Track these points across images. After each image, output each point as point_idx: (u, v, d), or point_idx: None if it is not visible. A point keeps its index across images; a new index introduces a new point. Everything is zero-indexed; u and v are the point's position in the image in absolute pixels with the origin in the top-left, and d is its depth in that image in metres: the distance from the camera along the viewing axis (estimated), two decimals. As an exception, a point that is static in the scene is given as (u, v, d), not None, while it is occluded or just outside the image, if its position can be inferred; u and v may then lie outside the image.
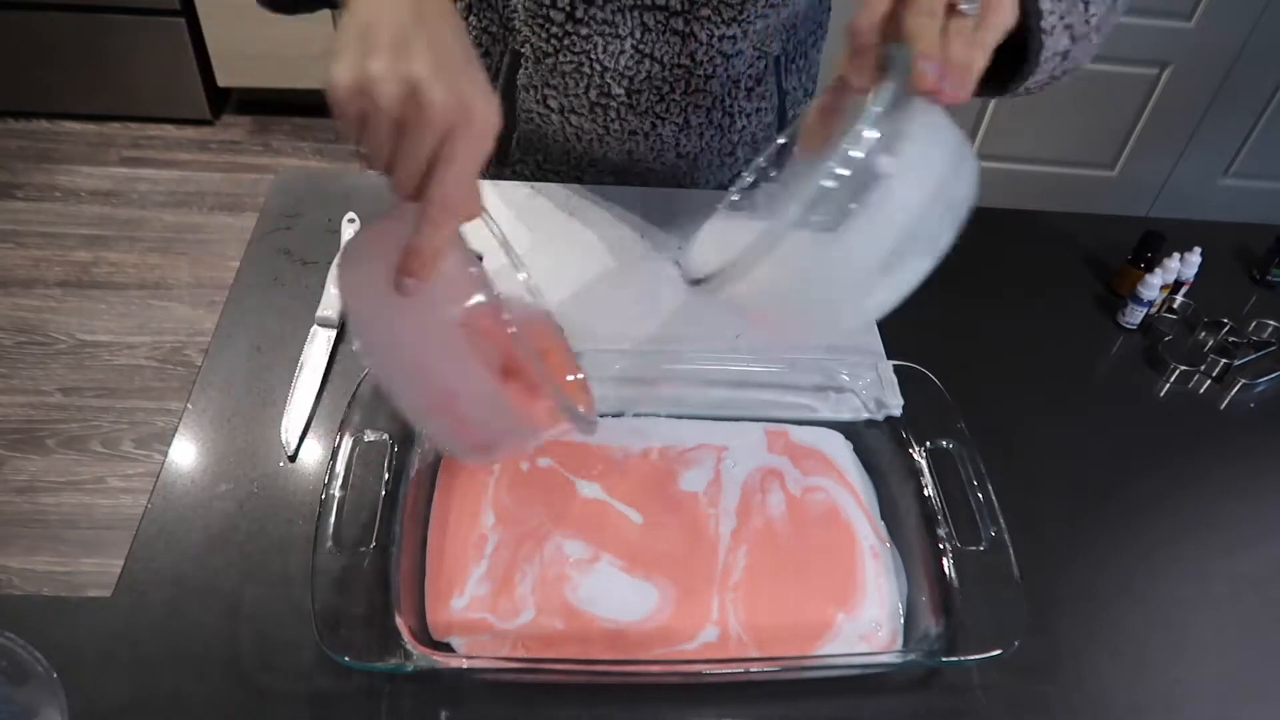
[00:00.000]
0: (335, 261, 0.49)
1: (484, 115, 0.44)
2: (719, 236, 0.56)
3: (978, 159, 0.49)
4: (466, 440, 0.51)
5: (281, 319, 0.76)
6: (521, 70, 0.85)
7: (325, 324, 0.74)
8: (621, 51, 0.80)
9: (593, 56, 0.81)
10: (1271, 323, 0.85)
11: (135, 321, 1.91)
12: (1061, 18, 0.57)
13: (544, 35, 0.80)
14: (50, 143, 2.29)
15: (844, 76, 0.50)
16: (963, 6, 0.48)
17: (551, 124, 0.87)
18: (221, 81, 2.27)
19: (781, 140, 0.56)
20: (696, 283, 0.49)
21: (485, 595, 0.58)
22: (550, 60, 0.82)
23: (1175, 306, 0.86)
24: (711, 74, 0.83)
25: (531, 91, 0.86)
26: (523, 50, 0.83)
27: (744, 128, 0.90)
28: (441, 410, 0.49)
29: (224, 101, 2.43)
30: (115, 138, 2.32)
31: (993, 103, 2.10)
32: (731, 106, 0.87)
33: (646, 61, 0.81)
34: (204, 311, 1.93)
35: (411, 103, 0.42)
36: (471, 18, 0.86)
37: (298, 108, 2.41)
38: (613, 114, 0.85)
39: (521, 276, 0.47)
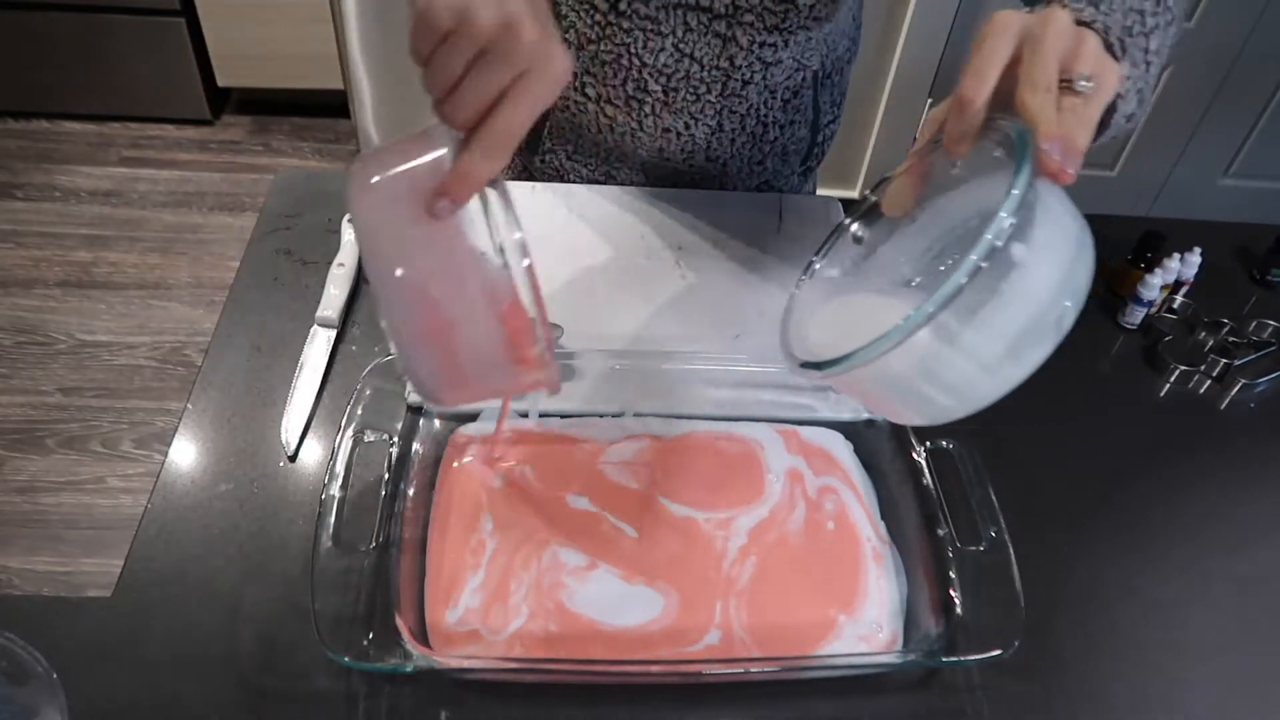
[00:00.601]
0: (349, 170, 0.49)
1: (563, 65, 0.46)
2: (820, 311, 0.55)
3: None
4: (447, 374, 0.50)
5: (281, 319, 0.76)
6: None
7: (325, 324, 0.75)
8: (661, 49, 0.81)
9: (632, 50, 0.81)
10: (1271, 323, 0.85)
11: (135, 321, 1.91)
12: (1135, 83, 0.57)
13: (588, 22, 0.81)
14: (50, 143, 2.29)
15: (938, 142, 0.50)
16: (1079, 85, 0.48)
17: (587, 113, 0.88)
18: (221, 81, 2.27)
19: (871, 197, 0.56)
20: (808, 366, 0.49)
21: (478, 607, 0.58)
22: (592, 48, 0.82)
23: (1175, 306, 0.86)
24: (749, 80, 0.83)
25: (571, 77, 0.86)
26: (567, 35, 0.84)
27: (776, 139, 0.91)
28: (434, 338, 0.48)
29: (224, 101, 2.43)
30: (115, 138, 2.32)
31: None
32: (767, 116, 0.88)
33: (686, 61, 0.81)
34: (204, 311, 1.93)
35: (507, 33, 0.44)
36: None
37: (298, 108, 2.41)
38: (648, 109, 0.85)
39: (517, 235, 0.47)
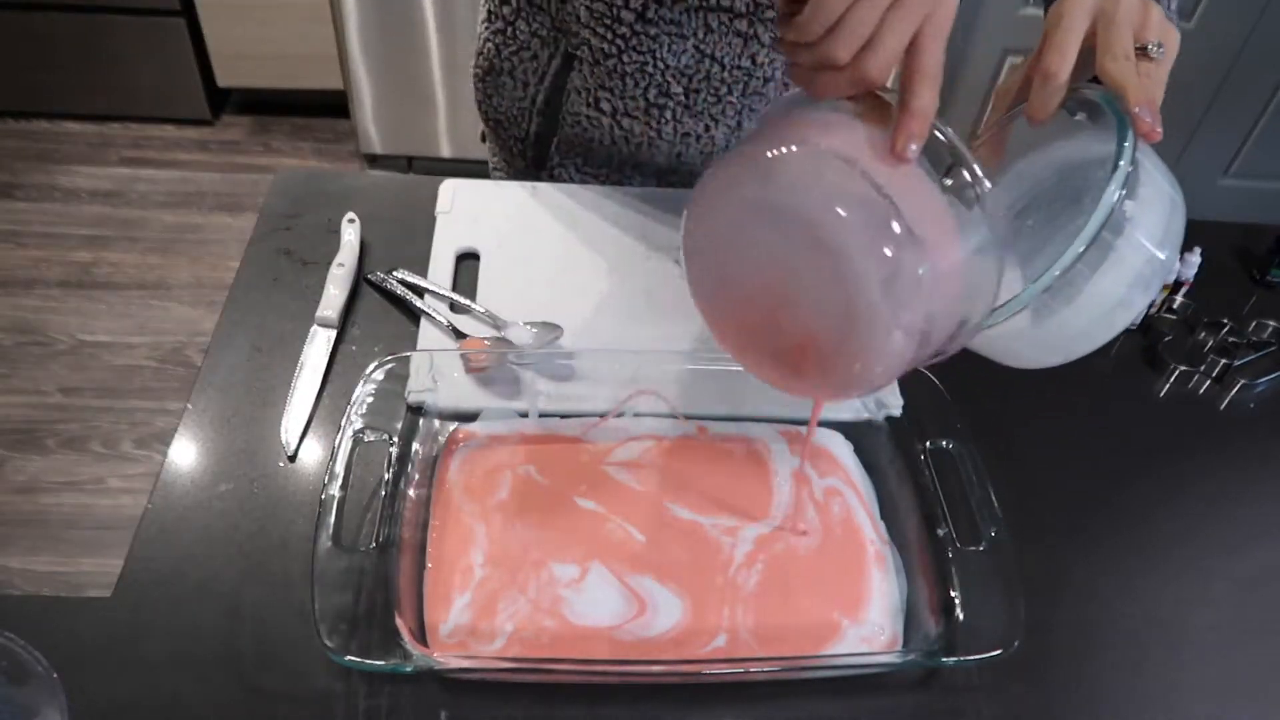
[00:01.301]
0: (768, 120, 0.50)
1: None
2: None
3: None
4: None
5: (281, 319, 0.76)
6: (575, 73, 0.85)
7: (325, 324, 0.74)
8: (684, 50, 0.81)
9: (657, 55, 0.81)
10: (1271, 323, 0.85)
11: (135, 321, 1.91)
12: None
13: (609, 36, 0.80)
14: (50, 143, 2.29)
15: (1015, 112, 0.54)
16: (1153, 51, 0.52)
17: (600, 127, 0.87)
18: (221, 81, 2.27)
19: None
20: None
21: (468, 623, 0.58)
22: (612, 61, 0.82)
23: (1175, 306, 0.86)
24: (770, 76, 0.84)
25: (584, 94, 0.86)
26: (578, 53, 0.83)
27: None
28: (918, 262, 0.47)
29: (224, 101, 2.43)
30: (115, 138, 2.32)
31: (992, 102, 2.10)
32: None
33: (707, 61, 0.82)
34: (204, 311, 1.93)
35: None
36: (520, 22, 0.85)
37: (298, 108, 2.41)
38: (668, 115, 0.85)
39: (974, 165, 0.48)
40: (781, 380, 0.54)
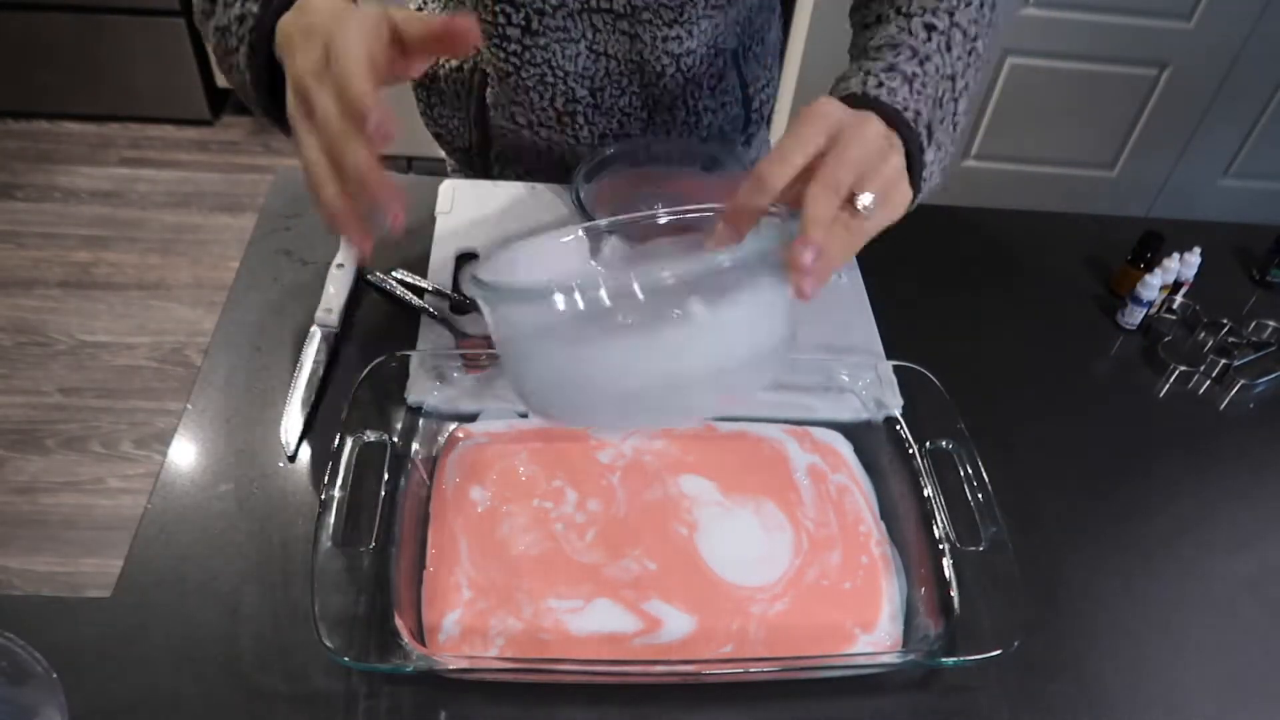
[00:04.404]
0: None
1: None
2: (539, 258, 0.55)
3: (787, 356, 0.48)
4: None
5: (281, 319, 0.76)
6: (489, 89, 0.87)
7: (325, 324, 0.74)
8: (578, 54, 0.82)
9: (553, 65, 0.82)
10: (1271, 323, 0.85)
11: (135, 322, 1.91)
12: (940, 162, 0.56)
13: (503, 55, 0.81)
14: (50, 143, 2.29)
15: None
16: (860, 205, 0.48)
17: (523, 139, 0.89)
18: (221, 82, 2.27)
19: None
20: (477, 281, 0.47)
21: (468, 623, 0.57)
22: (513, 79, 0.83)
23: (1175, 307, 0.86)
24: (662, 72, 0.84)
25: (500, 110, 0.87)
26: (487, 70, 0.85)
27: (710, 123, 0.91)
28: None
29: (224, 101, 2.42)
30: (115, 138, 2.32)
31: (992, 103, 2.10)
32: (696, 105, 0.89)
33: (602, 59, 0.83)
34: (204, 311, 1.93)
35: None
36: None
37: (298, 108, 2.41)
38: (580, 120, 0.86)
39: None
40: None
